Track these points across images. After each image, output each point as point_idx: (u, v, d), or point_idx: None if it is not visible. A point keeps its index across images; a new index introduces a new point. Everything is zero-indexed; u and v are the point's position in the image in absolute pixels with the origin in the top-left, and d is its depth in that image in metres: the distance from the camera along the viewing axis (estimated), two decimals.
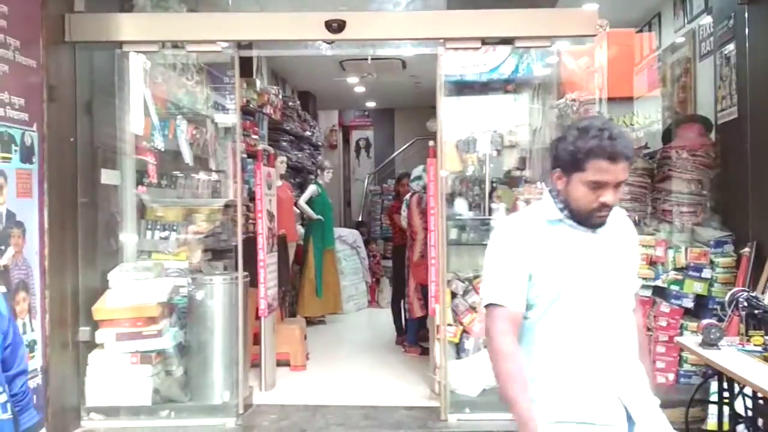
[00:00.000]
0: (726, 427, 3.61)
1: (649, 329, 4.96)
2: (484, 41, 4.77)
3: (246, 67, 7.41)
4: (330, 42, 4.76)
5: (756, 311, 3.43)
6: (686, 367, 4.89)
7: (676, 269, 4.94)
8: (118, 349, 4.58)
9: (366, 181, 12.97)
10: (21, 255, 3.90)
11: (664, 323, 4.90)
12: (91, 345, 4.61)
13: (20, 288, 3.88)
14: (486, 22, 4.66)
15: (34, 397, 3.91)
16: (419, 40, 4.93)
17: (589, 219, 2.01)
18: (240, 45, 4.89)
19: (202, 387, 4.73)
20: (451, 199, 5.95)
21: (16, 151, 3.86)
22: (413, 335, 6.58)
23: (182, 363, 4.83)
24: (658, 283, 4.93)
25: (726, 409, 3.60)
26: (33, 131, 4.04)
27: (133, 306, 4.61)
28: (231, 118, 6.09)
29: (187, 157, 5.66)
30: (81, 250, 4.57)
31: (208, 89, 6.11)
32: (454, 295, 5.13)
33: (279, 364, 5.72)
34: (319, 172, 8.09)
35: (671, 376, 4.91)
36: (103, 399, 4.58)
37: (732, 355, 3.29)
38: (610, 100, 6.06)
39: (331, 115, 13.15)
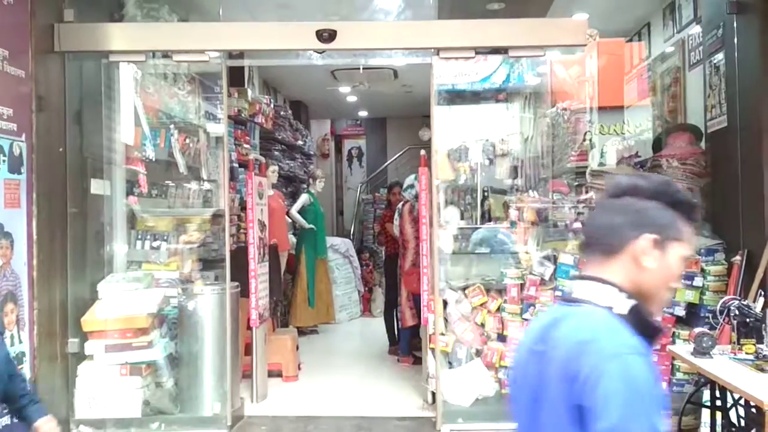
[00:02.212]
0: None
1: None
2: (477, 51, 4.79)
3: (237, 76, 7.42)
4: (321, 51, 4.76)
5: (747, 319, 3.43)
6: (678, 375, 4.89)
7: None
8: (108, 361, 4.54)
9: (358, 190, 12.96)
10: (9, 266, 3.87)
11: None
12: (80, 357, 4.57)
13: (8, 299, 3.85)
14: (478, 31, 4.68)
15: None
16: (412, 49, 4.94)
17: None
18: (231, 55, 4.89)
19: (193, 399, 4.69)
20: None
21: (4, 161, 3.84)
22: (406, 345, 6.56)
23: (173, 374, 4.79)
24: None
25: (719, 418, 3.59)
26: (22, 141, 4.01)
27: (122, 317, 4.58)
28: (222, 128, 6.07)
29: (182, 166, 5.64)
30: (70, 260, 4.54)
31: (199, 99, 6.10)
32: (446, 304, 5.11)
33: (271, 375, 5.68)
34: (311, 181, 8.07)
35: (663, 385, 4.90)
36: (92, 411, 4.53)
37: (724, 364, 3.29)
38: (600, 109, 6.09)
39: (324, 124, 13.14)
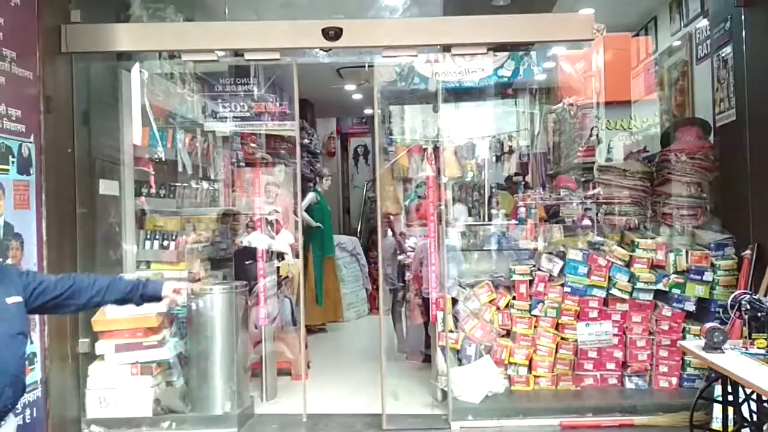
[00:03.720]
0: (731, 430, 3.59)
1: (651, 333, 4.95)
2: (419, 48, 4.79)
3: (243, 75, 7.41)
4: (327, 50, 4.76)
5: (759, 314, 3.41)
6: (689, 370, 4.88)
7: (677, 273, 4.92)
8: (118, 361, 4.56)
9: (365, 188, 12.95)
10: (19, 267, 3.87)
11: (666, 327, 4.88)
12: (91, 356, 4.59)
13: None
14: (487, 28, 4.65)
15: (34, 410, 3.90)
16: (419, 47, 4.90)
17: None
18: (237, 53, 4.89)
19: (203, 397, 4.70)
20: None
21: (13, 162, 3.85)
22: (415, 342, 6.55)
23: (183, 373, 4.81)
24: (660, 286, 4.92)
25: (731, 413, 3.58)
26: (30, 142, 4.02)
27: (132, 317, 4.58)
28: (228, 127, 6.08)
29: (188, 166, 5.65)
30: (80, 261, 4.55)
31: (206, 98, 6.10)
32: (455, 301, 5.11)
33: (280, 373, 5.69)
34: (317, 179, 8.08)
35: (674, 380, 4.89)
36: (103, 411, 4.55)
37: (736, 359, 3.27)
38: (607, 104, 6.08)
39: (329, 123, 13.14)
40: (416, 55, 4.76)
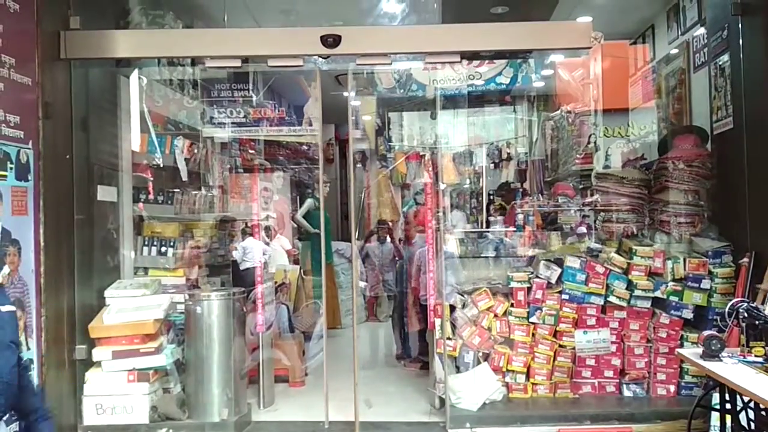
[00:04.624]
0: None
1: (649, 341, 4.94)
2: (478, 55, 4.78)
3: (242, 81, 7.43)
4: (326, 57, 4.77)
5: (756, 322, 3.41)
6: (687, 378, 4.87)
7: (675, 280, 4.92)
8: (115, 367, 4.55)
9: (363, 194, 12.94)
10: (17, 273, 3.87)
11: (664, 334, 4.88)
12: (88, 363, 4.58)
13: (16, 306, 3.83)
14: (491, 35, 4.67)
15: None
16: (420, 53, 4.91)
17: None
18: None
19: (200, 404, 4.69)
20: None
21: (11, 168, 3.85)
22: (413, 349, 6.54)
23: (180, 380, 4.79)
24: (658, 294, 4.92)
25: (729, 421, 3.57)
26: (28, 148, 4.02)
27: (130, 323, 4.58)
28: (227, 133, 6.09)
29: (183, 172, 5.65)
30: (77, 267, 4.55)
31: (204, 104, 6.11)
32: (453, 308, 5.10)
33: (277, 380, 5.67)
34: (316, 186, 8.08)
35: (672, 388, 4.88)
36: (100, 418, 4.53)
37: (733, 367, 3.27)
38: (605, 111, 6.10)
39: (328, 129, 13.14)
40: (389, 64, 4.79)
